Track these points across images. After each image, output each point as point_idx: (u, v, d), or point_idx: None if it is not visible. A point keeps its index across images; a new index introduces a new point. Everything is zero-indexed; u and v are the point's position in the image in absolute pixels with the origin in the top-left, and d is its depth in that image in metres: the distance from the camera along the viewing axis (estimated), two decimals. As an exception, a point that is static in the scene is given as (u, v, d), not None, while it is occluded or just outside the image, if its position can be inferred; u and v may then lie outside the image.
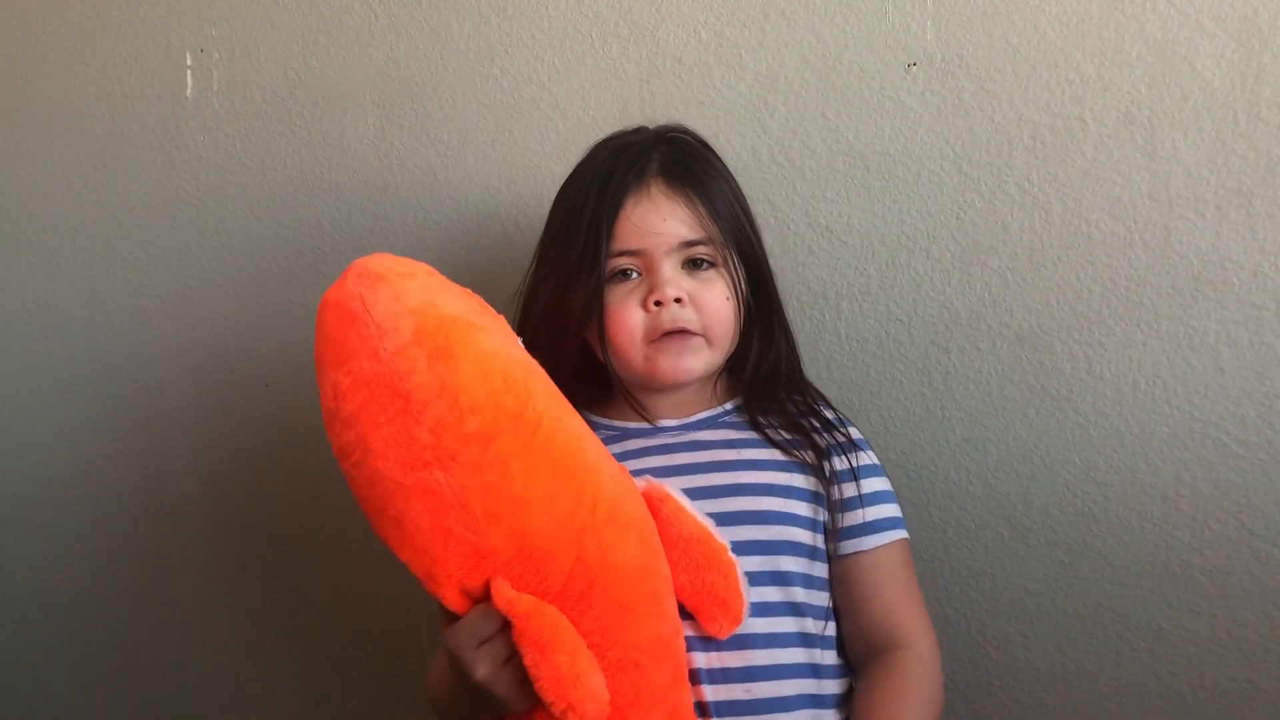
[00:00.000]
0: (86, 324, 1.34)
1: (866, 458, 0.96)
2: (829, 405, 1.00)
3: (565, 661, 0.74)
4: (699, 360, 0.93)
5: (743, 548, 0.87)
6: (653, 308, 0.92)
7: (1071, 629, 1.07)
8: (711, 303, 0.93)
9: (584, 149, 1.03)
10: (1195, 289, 1.02)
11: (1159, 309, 1.03)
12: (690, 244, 0.93)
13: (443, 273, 0.82)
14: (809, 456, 0.93)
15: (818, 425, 0.95)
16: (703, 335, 0.93)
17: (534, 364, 0.81)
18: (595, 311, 0.92)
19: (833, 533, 0.93)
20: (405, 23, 1.22)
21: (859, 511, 0.93)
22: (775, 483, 0.91)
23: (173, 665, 1.36)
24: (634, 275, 0.93)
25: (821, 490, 0.92)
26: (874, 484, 0.95)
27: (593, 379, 0.98)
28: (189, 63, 1.30)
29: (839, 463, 0.94)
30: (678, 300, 0.91)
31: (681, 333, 0.92)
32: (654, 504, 0.86)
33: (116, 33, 1.32)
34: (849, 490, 0.93)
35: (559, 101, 1.18)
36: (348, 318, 0.74)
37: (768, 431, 0.94)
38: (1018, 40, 1.05)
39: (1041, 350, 1.06)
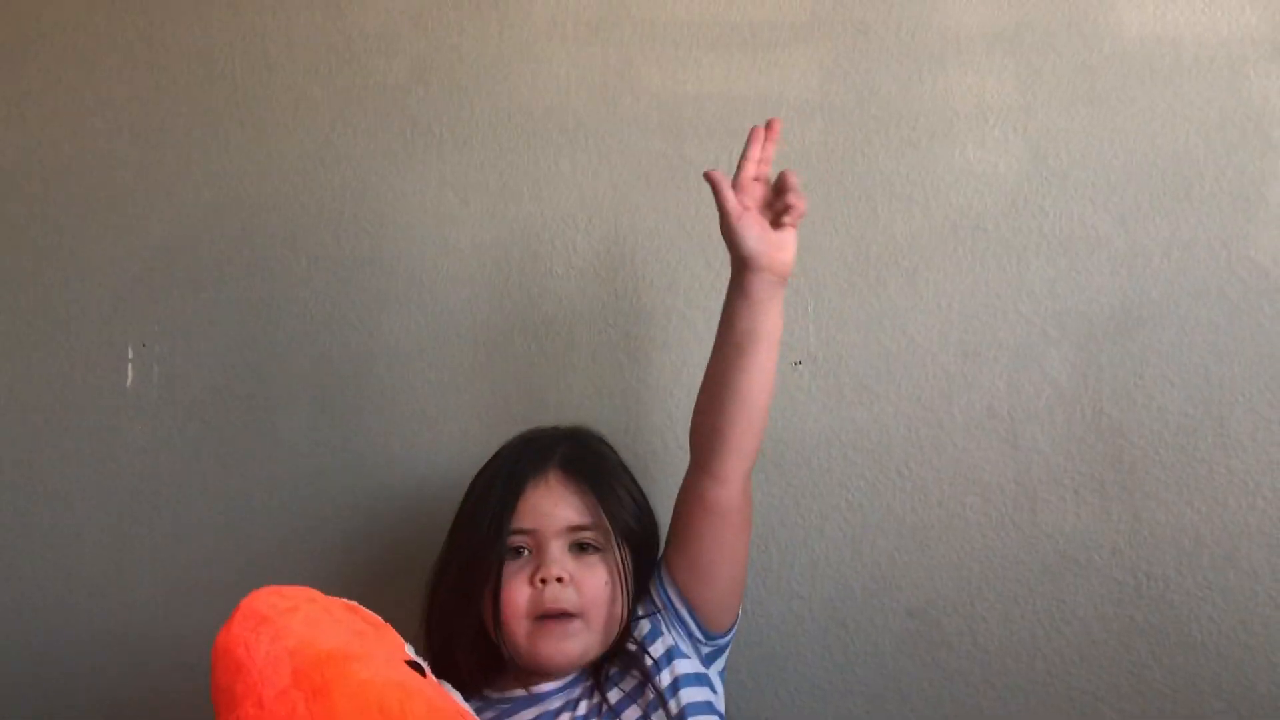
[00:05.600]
0: (17, 615, 1.36)
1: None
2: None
3: None
4: (577, 644, 1.01)
5: None
6: (538, 584, 1.01)
7: None
8: (591, 584, 1.02)
9: (498, 438, 1.12)
10: (1063, 566, 1.12)
11: (1032, 585, 1.12)
12: (577, 528, 1.04)
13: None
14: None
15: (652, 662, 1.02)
16: (581, 617, 1.01)
17: (413, 682, 0.85)
18: (492, 583, 1.02)
19: None
20: (338, 321, 1.32)
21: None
22: None
23: None
24: (526, 554, 1.03)
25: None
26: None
27: (493, 654, 1.06)
28: (130, 355, 1.38)
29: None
30: (560, 580, 1.01)
31: (562, 616, 1.01)
32: None
33: (62, 327, 1.40)
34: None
35: (481, 393, 1.28)
36: (234, 666, 0.80)
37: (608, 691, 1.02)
38: (889, 343, 1.18)
39: (930, 625, 1.14)
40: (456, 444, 1.28)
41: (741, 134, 1.01)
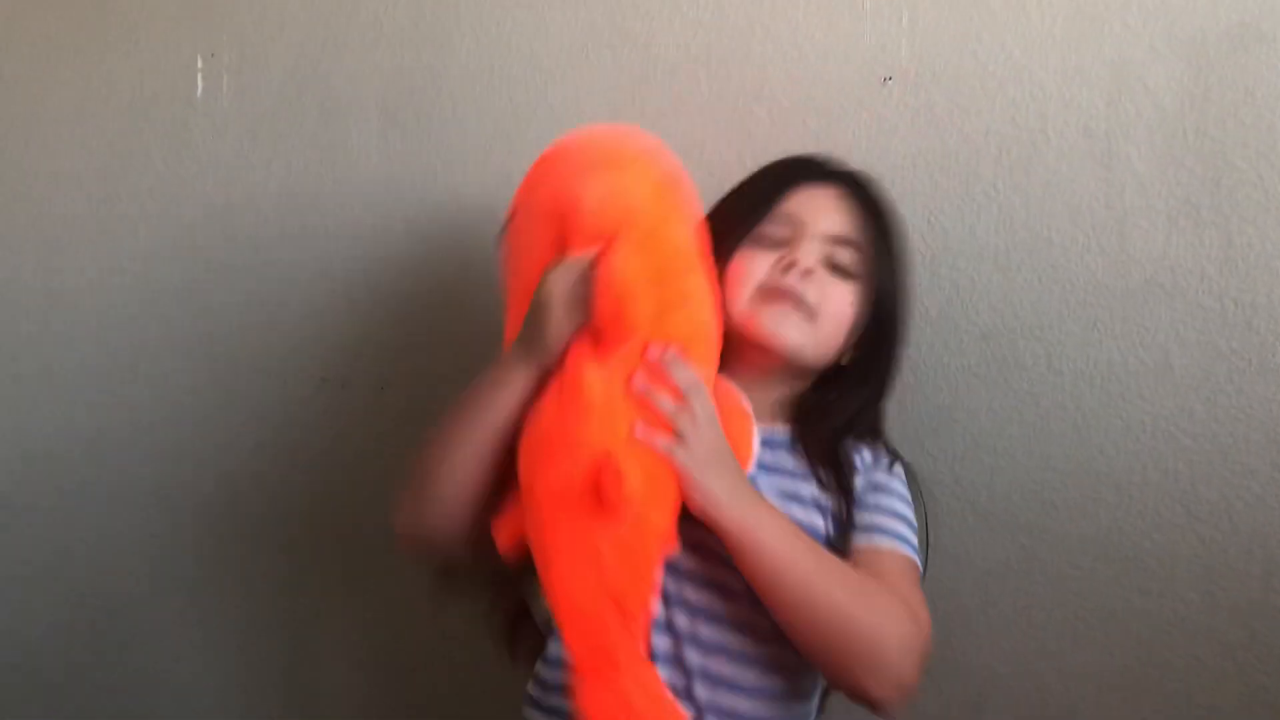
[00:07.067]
0: (95, 314, 1.39)
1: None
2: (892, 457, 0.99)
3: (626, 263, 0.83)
4: (798, 334, 0.94)
5: None
6: (782, 268, 0.94)
7: (1031, 609, 1.14)
8: (834, 296, 0.95)
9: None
10: (1147, 291, 1.10)
11: (1114, 310, 1.10)
12: (842, 240, 0.96)
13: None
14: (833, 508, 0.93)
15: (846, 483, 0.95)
16: (811, 315, 0.94)
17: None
18: (734, 247, 0.95)
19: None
20: (410, 32, 1.28)
21: (867, 515, 0.93)
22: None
23: (172, 656, 1.41)
24: (783, 247, 0.96)
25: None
26: (894, 504, 0.95)
27: None
28: (200, 65, 1.36)
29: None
30: (808, 272, 0.94)
31: (794, 300, 0.93)
32: None
33: (130, 37, 1.38)
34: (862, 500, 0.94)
35: (554, 107, 1.25)
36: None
37: (816, 471, 0.95)
38: (986, 58, 1.13)
39: (1005, 347, 1.14)
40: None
41: None
